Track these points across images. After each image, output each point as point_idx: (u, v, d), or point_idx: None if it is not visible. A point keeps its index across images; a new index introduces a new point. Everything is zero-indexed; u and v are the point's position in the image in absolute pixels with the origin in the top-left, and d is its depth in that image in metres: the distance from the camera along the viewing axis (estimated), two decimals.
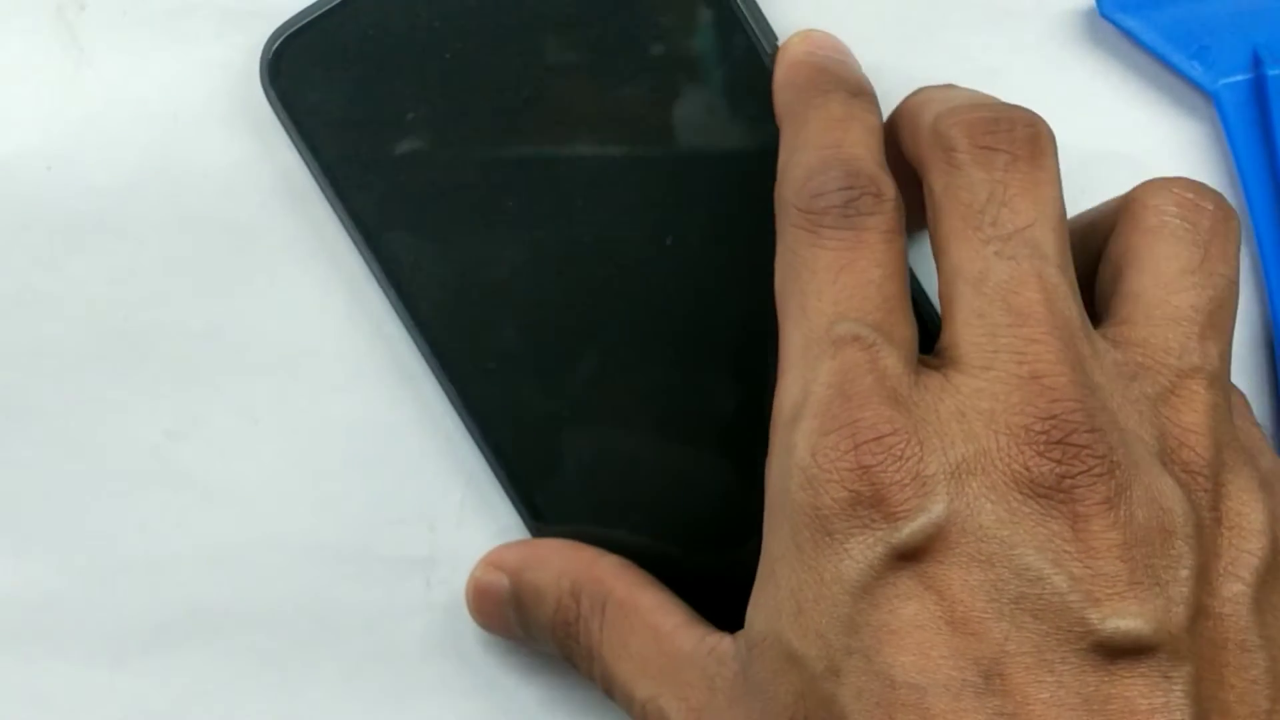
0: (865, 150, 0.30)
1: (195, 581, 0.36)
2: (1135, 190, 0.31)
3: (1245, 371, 0.35)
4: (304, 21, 0.34)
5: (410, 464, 0.36)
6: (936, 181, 0.30)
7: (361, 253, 0.34)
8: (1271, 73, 0.34)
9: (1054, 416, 0.28)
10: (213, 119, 0.36)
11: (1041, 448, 0.27)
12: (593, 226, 0.34)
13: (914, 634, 0.27)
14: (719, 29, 0.34)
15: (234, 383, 0.36)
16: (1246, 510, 0.29)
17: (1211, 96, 0.35)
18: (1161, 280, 0.30)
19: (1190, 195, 0.30)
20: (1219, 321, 0.30)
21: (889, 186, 0.30)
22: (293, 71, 0.34)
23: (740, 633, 0.30)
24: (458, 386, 0.34)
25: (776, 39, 0.34)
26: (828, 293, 0.29)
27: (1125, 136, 0.35)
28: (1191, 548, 0.28)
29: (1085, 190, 0.35)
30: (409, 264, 0.34)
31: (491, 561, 0.35)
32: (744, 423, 0.34)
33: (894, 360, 0.29)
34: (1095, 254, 0.31)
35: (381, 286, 0.34)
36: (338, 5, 0.34)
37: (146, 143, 0.36)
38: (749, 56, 0.34)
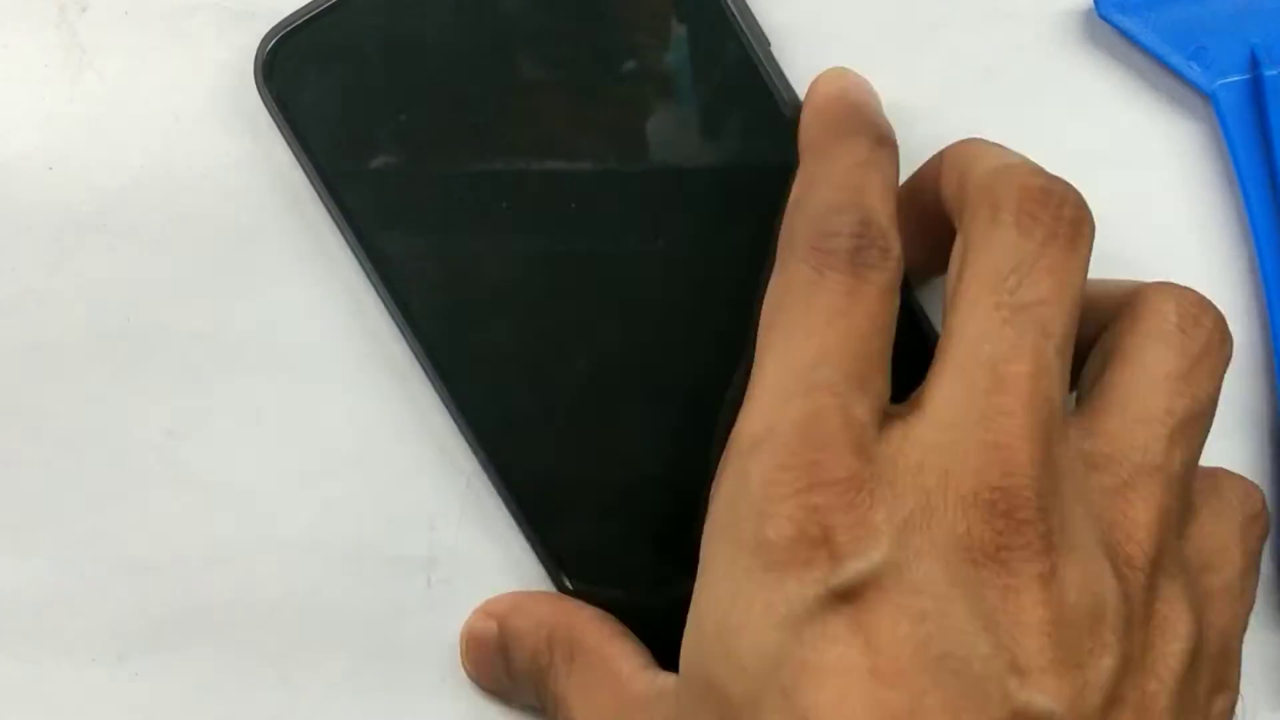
0: (881, 203, 0.30)
1: (196, 581, 0.36)
2: (1142, 289, 0.31)
3: (1245, 371, 0.35)
4: (298, 22, 0.34)
5: (410, 464, 0.36)
6: (972, 233, 0.30)
7: (356, 253, 0.34)
8: (1269, 73, 0.34)
9: (1004, 487, 0.28)
10: (213, 120, 0.36)
11: (986, 515, 0.28)
12: (589, 228, 0.34)
13: (835, 677, 0.27)
14: (710, 34, 0.34)
15: (234, 383, 0.36)
16: (1175, 615, 0.29)
17: (1209, 97, 0.35)
18: (1144, 379, 0.30)
19: (1193, 308, 0.30)
20: (1191, 432, 0.30)
21: (896, 245, 0.30)
22: (287, 72, 0.34)
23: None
24: (450, 387, 0.34)
25: (769, 43, 0.34)
26: (817, 336, 0.29)
27: (1123, 137, 0.35)
28: (1118, 638, 0.28)
29: (1082, 190, 0.35)
30: (403, 264, 0.34)
31: (484, 609, 0.35)
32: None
33: (863, 410, 0.29)
34: (1087, 337, 0.31)
35: (376, 287, 0.34)
36: (332, 6, 0.34)
37: (147, 143, 0.36)
38: (740, 62, 0.34)
